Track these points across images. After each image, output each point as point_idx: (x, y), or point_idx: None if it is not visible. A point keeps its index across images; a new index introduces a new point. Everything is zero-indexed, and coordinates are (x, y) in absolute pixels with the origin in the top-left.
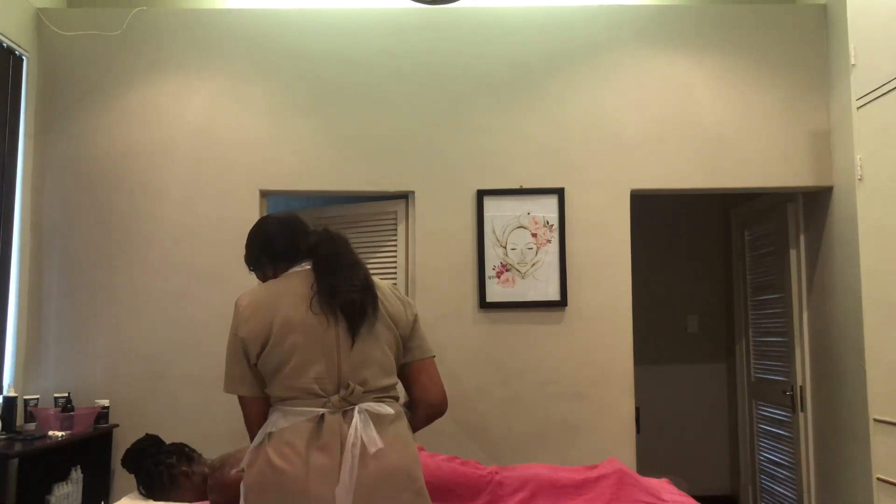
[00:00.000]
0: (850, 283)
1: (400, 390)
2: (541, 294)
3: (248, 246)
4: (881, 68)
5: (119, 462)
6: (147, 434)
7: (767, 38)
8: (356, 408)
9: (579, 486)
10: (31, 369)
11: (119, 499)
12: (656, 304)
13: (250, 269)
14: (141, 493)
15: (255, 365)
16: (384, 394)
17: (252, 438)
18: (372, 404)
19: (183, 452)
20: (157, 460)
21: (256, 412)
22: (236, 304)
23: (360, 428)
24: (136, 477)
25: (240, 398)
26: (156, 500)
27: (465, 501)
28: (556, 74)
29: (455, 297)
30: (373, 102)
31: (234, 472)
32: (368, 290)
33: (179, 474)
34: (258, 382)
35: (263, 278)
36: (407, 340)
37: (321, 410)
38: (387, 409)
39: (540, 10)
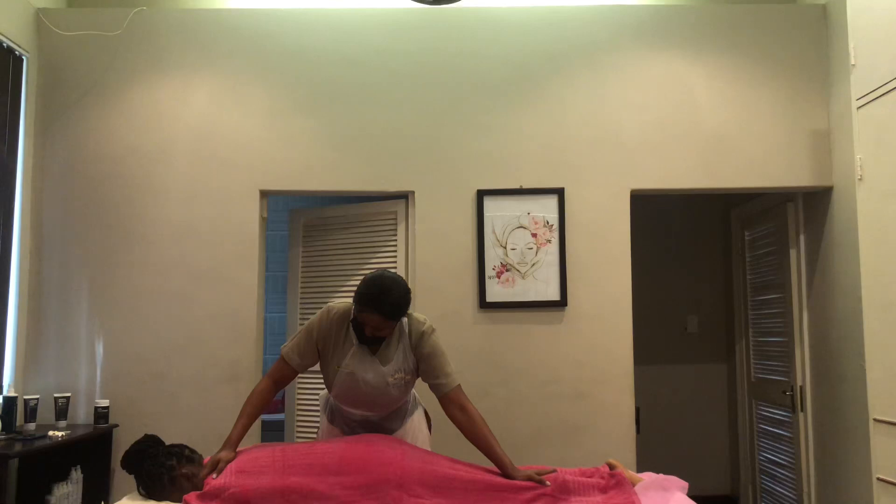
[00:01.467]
0: (850, 283)
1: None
2: (541, 294)
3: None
4: (881, 68)
5: (119, 462)
6: (146, 435)
7: (767, 38)
8: None
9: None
10: (31, 369)
11: (119, 499)
12: (656, 304)
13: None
14: (141, 494)
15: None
16: None
17: (267, 387)
18: None
19: (183, 454)
20: (157, 462)
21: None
22: (433, 328)
23: None
24: (137, 478)
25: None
26: (157, 500)
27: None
28: (556, 74)
29: (455, 297)
30: (373, 102)
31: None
32: None
33: (180, 476)
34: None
35: None
36: None
37: None
38: None
39: (540, 10)
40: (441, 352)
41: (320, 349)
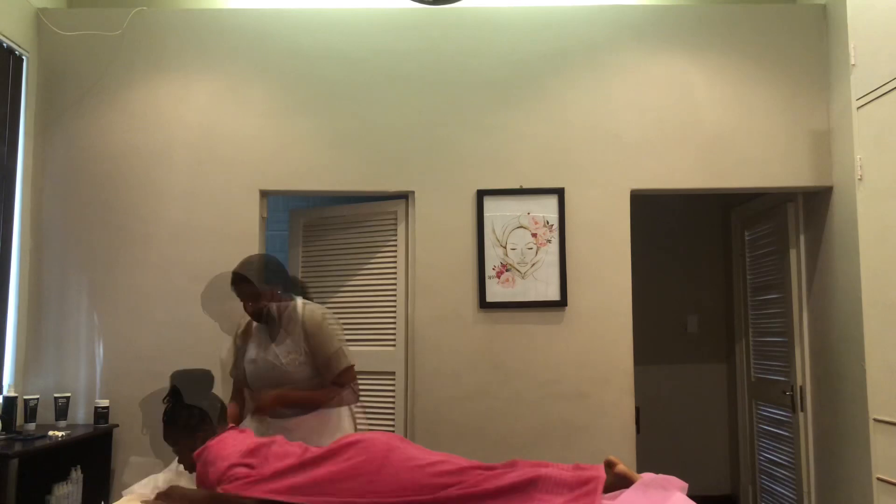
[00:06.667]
0: (850, 283)
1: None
2: (541, 294)
3: (278, 274)
4: (881, 68)
5: (119, 462)
6: (208, 371)
7: (767, 38)
8: None
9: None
10: (31, 369)
11: (119, 499)
12: (656, 304)
13: (273, 297)
14: (163, 420)
15: None
16: None
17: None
18: None
19: (216, 418)
20: (193, 405)
21: None
22: (326, 315)
23: None
24: (171, 397)
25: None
26: (166, 431)
27: None
28: (556, 74)
29: (455, 297)
30: (373, 102)
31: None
32: None
33: (198, 434)
34: None
35: (270, 303)
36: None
37: None
38: None
39: (540, 10)
40: (328, 338)
41: (238, 346)
